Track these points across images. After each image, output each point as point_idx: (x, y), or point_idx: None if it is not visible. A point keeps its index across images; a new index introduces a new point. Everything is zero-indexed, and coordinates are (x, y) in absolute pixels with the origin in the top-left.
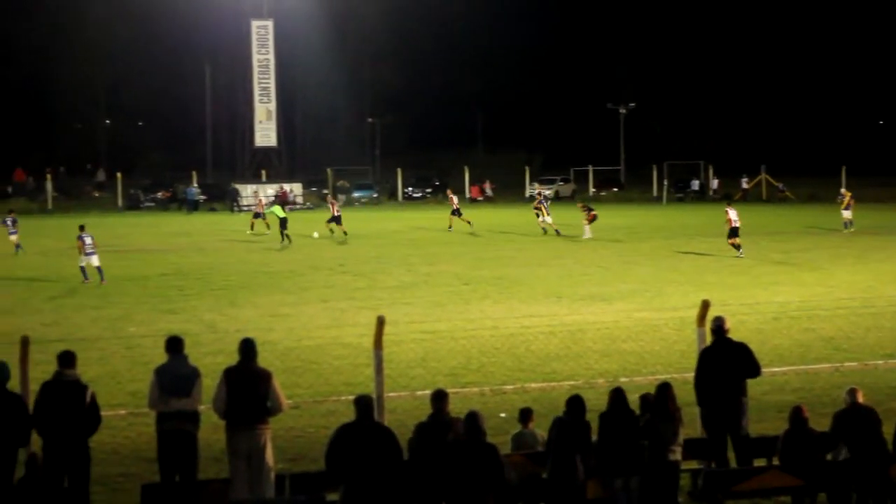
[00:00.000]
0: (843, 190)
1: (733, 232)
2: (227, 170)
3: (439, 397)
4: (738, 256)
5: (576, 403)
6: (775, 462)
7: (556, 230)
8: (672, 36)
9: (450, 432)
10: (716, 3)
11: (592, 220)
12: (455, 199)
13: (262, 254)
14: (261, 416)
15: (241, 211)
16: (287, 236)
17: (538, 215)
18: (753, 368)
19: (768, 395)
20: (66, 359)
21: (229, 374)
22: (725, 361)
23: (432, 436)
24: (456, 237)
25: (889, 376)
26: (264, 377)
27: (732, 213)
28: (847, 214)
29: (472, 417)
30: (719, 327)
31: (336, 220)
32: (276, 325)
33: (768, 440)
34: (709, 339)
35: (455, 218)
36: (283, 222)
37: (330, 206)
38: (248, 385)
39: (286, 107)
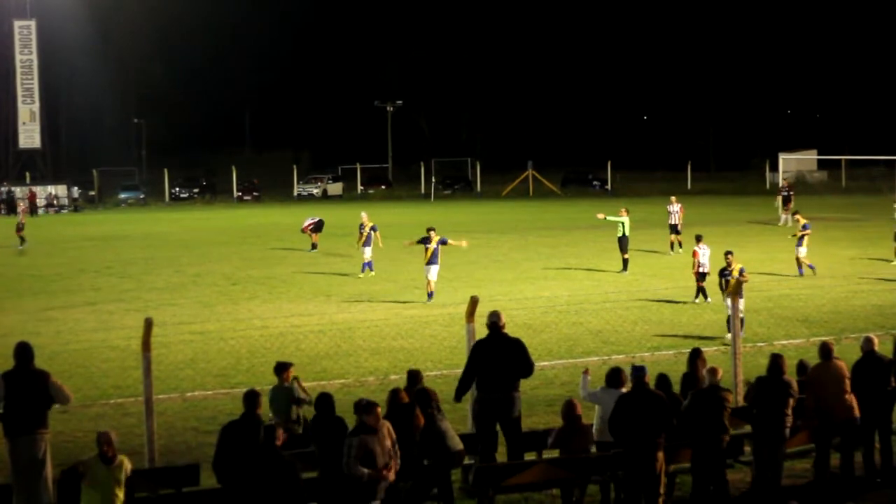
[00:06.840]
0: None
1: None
2: None
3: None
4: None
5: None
6: (545, 455)
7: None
8: (439, 33)
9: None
10: None
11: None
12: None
13: (29, 258)
14: (41, 421)
15: None
16: None
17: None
18: (526, 367)
19: (537, 389)
20: None
21: (7, 378)
22: (499, 355)
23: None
24: (224, 237)
25: (654, 368)
26: (42, 378)
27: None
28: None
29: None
30: (494, 322)
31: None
32: (43, 329)
33: (538, 434)
34: (477, 335)
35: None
36: None
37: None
38: (28, 388)
39: (51, 108)
